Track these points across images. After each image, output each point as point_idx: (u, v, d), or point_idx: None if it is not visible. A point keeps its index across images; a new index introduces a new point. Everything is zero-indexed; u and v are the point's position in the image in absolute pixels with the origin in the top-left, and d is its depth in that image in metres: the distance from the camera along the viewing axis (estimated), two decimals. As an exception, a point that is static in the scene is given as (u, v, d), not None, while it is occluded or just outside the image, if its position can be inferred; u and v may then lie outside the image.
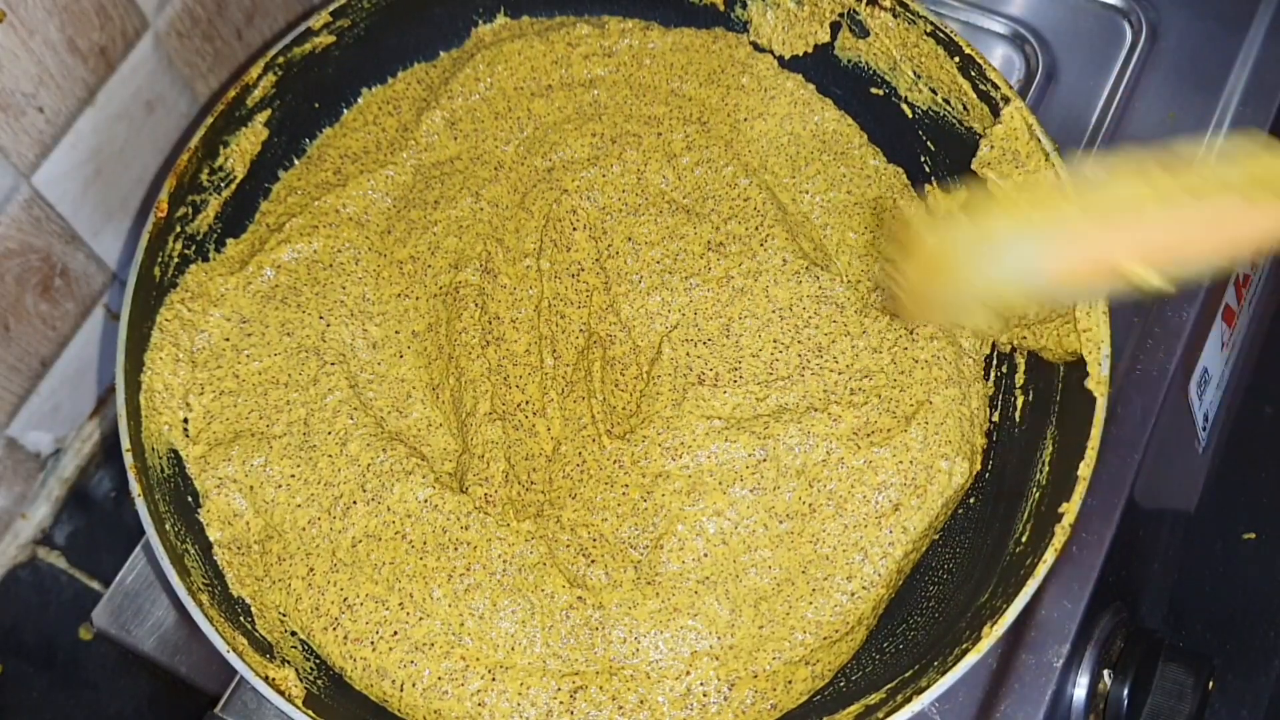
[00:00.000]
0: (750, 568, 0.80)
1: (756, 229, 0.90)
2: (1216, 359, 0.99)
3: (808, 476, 0.82)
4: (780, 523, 0.81)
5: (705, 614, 0.78)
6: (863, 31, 0.93)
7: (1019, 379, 0.86)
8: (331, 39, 0.95)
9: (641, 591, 0.79)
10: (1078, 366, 0.79)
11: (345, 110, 0.99)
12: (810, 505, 0.81)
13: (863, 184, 0.93)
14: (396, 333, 0.90)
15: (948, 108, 0.90)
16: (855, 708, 0.74)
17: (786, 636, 0.78)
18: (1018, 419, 0.85)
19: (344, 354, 0.88)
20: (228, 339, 0.88)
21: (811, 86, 0.97)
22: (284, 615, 0.80)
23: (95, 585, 1.04)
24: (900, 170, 0.94)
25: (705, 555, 0.80)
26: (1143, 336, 0.92)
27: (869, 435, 0.82)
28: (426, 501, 0.81)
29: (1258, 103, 1.00)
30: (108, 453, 1.06)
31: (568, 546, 0.81)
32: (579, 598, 0.79)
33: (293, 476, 0.83)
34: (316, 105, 0.97)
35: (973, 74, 0.87)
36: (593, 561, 0.80)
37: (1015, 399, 0.86)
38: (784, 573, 0.80)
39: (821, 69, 0.97)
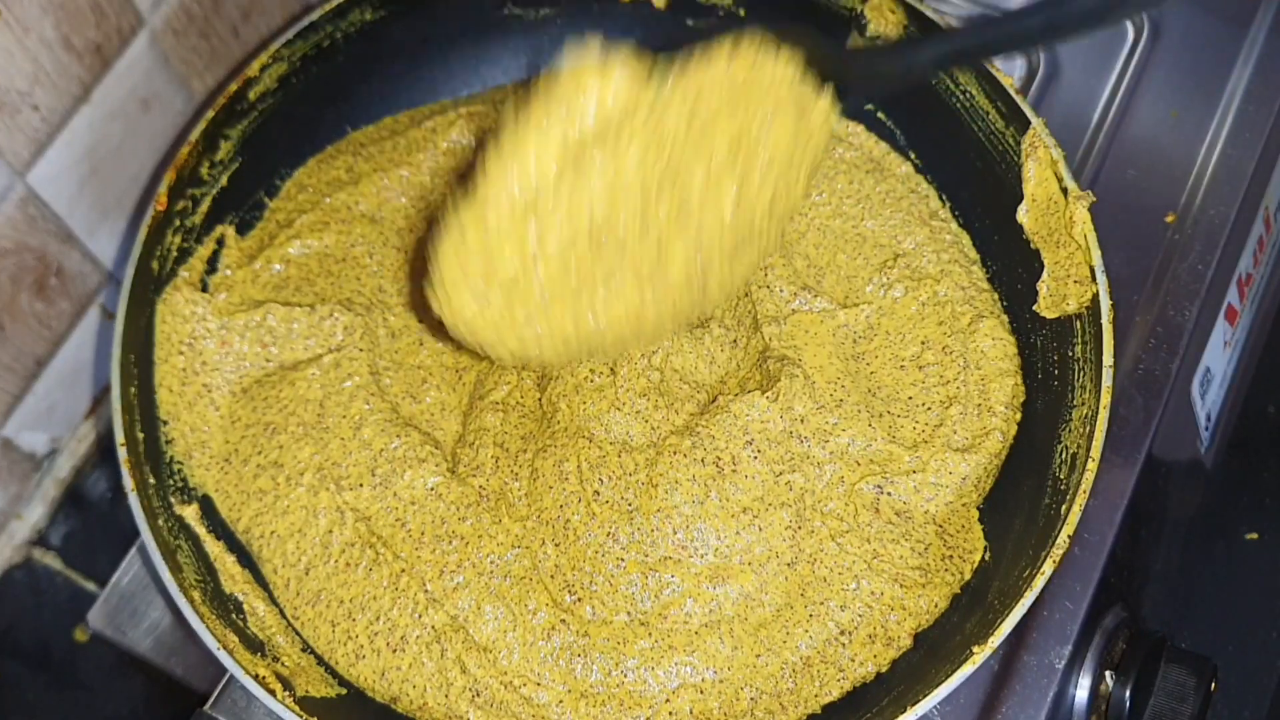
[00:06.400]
0: (758, 607, 0.78)
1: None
2: (1219, 358, 0.98)
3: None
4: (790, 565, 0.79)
5: (705, 651, 0.76)
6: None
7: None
8: (340, 35, 0.94)
9: (634, 631, 0.77)
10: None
11: (354, 109, 0.98)
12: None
13: None
14: (420, 321, 0.89)
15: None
16: (859, 712, 0.74)
17: (787, 659, 0.76)
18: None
19: (359, 345, 0.87)
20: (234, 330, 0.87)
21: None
22: (276, 604, 0.80)
23: (91, 586, 1.03)
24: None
25: (714, 609, 0.77)
26: (1145, 336, 0.91)
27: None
28: (433, 490, 0.81)
29: (1260, 100, 1.00)
30: (103, 453, 1.05)
31: (553, 578, 0.78)
32: (562, 620, 0.77)
33: (299, 463, 0.82)
34: (324, 102, 0.96)
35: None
36: (579, 600, 0.78)
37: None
38: (785, 598, 0.78)
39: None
